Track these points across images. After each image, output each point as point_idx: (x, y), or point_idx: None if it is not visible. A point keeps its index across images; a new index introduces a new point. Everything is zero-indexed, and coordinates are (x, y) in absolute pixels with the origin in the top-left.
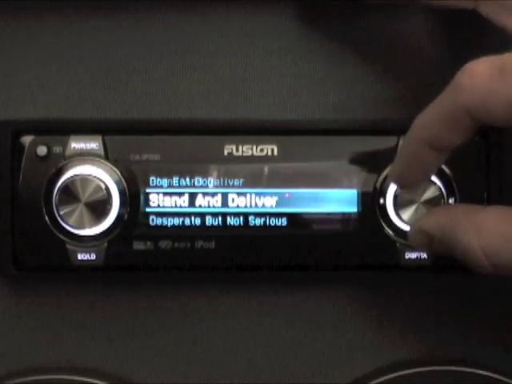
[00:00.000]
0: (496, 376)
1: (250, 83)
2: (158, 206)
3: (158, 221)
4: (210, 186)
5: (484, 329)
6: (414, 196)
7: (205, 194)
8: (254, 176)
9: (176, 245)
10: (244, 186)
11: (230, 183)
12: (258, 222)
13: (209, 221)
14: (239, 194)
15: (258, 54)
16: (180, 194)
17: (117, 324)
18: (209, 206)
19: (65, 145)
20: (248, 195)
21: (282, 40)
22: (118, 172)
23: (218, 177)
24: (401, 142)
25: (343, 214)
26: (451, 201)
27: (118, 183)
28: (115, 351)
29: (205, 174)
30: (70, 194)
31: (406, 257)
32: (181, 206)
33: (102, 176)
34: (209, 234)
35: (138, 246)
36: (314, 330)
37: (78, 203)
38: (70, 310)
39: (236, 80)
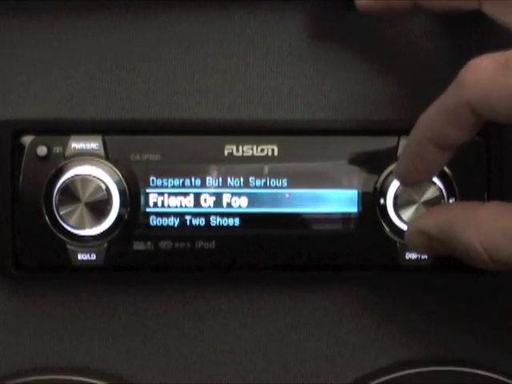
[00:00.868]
0: (496, 376)
1: (251, 83)
2: (159, 206)
3: (158, 221)
4: (211, 186)
5: (484, 329)
6: (414, 196)
7: (205, 194)
8: (254, 176)
9: (176, 245)
10: (244, 186)
11: (231, 183)
12: (258, 222)
13: (209, 221)
14: (239, 194)
15: (258, 54)
16: (180, 194)
17: (117, 324)
18: (209, 206)
19: (65, 145)
20: (248, 195)
21: (282, 40)
22: (119, 172)
23: (218, 177)
24: (403, 142)
25: (343, 214)
26: (451, 201)
27: (118, 183)
28: (115, 351)
29: (205, 174)
30: (70, 194)
31: (406, 257)
32: (181, 206)
33: (103, 176)
34: (209, 234)
35: (138, 246)
36: (314, 330)
37: (79, 203)
38: (70, 309)
39: (236, 80)
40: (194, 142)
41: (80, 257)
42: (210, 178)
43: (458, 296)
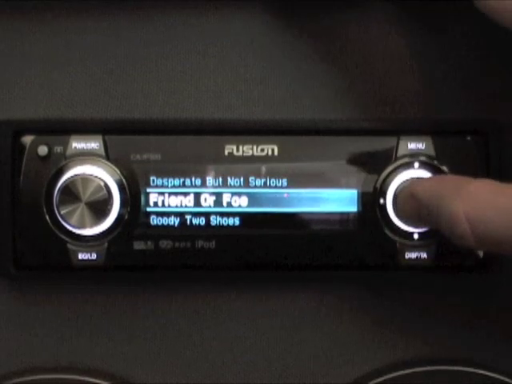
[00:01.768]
0: (496, 376)
1: (251, 83)
2: (159, 205)
3: (159, 221)
4: (211, 185)
5: (484, 329)
6: None
7: (205, 194)
8: (254, 176)
9: (176, 245)
10: (244, 185)
11: (231, 183)
12: (259, 221)
13: (209, 220)
14: (239, 194)
15: (258, 55)
16: (180, 194)
17: (117, 324)
18: (209, 206)
19: (65, 145)
20: (248, 195)
21: (282, 41)
22: (119, 172)
23: (219, 176)
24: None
25: (343, 213)
26: None
27: (118, 183)
28: (115, 351)
29: (205, 174)
30: (70, 193)
31: (406, 257)
32: (181, 206)
33: (103, 176)
34: (209, 234)
35: (139, 245)
36: (314, 330)
37: (79, 203)
38: (70, 309)
39: (236, 80)
40: (194, 141)
41: (80, 256)
42: (210, 178)
43: (457, 296)
